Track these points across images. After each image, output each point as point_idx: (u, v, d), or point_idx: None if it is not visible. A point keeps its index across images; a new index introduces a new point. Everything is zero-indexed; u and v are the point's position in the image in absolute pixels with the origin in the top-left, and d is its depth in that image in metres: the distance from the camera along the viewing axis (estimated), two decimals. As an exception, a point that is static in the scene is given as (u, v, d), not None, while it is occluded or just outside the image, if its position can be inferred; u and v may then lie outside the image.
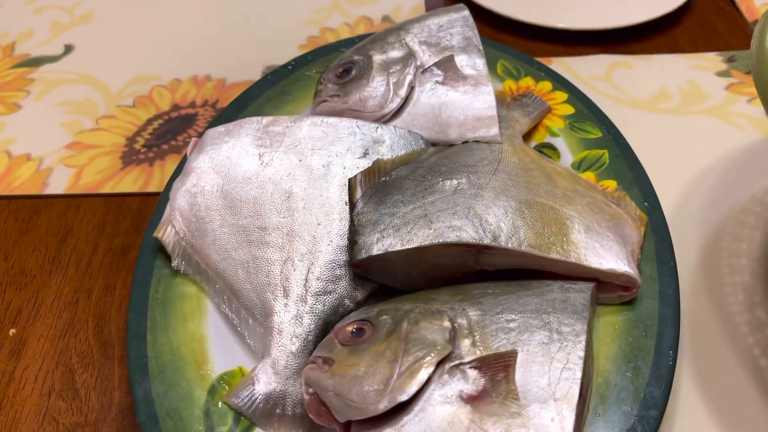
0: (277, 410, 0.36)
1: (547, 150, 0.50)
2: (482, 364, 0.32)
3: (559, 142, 0.50)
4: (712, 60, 0.61)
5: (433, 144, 0.48)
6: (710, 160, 0.52)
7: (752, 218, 0.47)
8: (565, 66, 0.61)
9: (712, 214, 0.48)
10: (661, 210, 0.44)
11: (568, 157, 0.49)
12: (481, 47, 0.51)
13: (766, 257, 0.45)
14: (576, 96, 0.53)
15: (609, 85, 0.59)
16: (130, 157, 0.53)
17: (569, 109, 0.52)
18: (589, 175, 0.47)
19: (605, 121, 0.50)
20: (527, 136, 0.51)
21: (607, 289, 0.39)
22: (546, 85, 0.54)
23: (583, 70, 0.60)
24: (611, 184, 0.46)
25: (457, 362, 0.32)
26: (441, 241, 0.38)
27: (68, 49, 0.64)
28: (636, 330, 0.38)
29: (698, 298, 0.43)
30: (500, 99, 0.52)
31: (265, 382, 0.36)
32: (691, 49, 0.63)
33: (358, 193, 0.42)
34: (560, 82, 0.54)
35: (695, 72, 0.59)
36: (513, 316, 0.34)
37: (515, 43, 0.65)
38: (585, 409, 0.35)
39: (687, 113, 0.56)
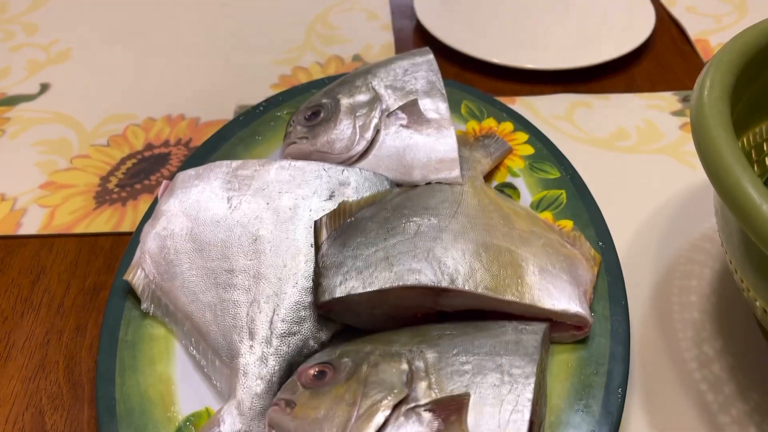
0: (242, 451, 0.37)
1: (508, 189, 0.52)
2: (436, 407, 0.33)
3: (519, 182, 0.52)
4: (668, 99, 0.63)
5: (398, 185, 0.49)
6: (664, 198, 0.54)
7: (702, 255, 0.49)
8: (528, 105, 0.63)
9: (665, 252, 0.50)
10: (615, 250, 0.46)
11: (527, 196, 0.51)
12: (443, 91, 0.53)
13: (715, 293, 0.47)
14: (536, 136, 0.55)
15: (569, 124, 0.61)
16: (103, 196, 0.54)
17: (529, 150, 0.54)
18: (547, 215, 0.49)
19: (563, 161, 0.53)
20: (489, 176, 0.53)
21: (560, 328, 0.41)
22: (508, 125, 0.56)
23: (545, 110, 0.62)
24: (568, 224, 0.48)
25: (413, 405, 0.34)
26: (401, 284, 0.39)
27: (44, 87, 0.65)
28: (588, 368, 0.40)
29: (650, 335, 0.45)
30: (463, 140, 0.54)
31: (230, 423, 0.38)
32: (648, 88, 0.66)
33: (324, 235, 0.43)
34: (521, 123, 0.56)
35: (651, 111, 0.62)
36: (468, 358, 0.36)
37: (480, 81, 0.67)
38: (537, 447, 0.36)
39: (643, 152, 0.58)
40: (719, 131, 0.35)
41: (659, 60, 0.69)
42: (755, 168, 0.48)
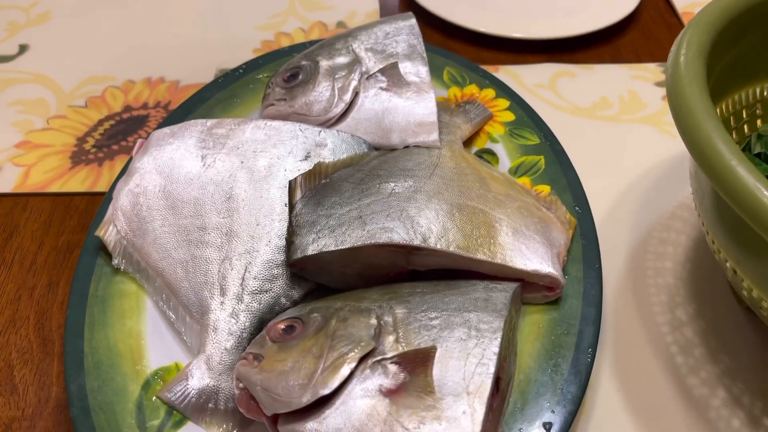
0: (210, 405, 0.37)
1: (487, 155, 0.51)
2: (402, 360, 0.33)
3: (499, 148, 0.51)
4: (652, 70, 0.63)
5: (376, 148, 0.49)
6: (644, 167, 0.54)
7: (679, 223, 0.49)
8: (512, 74, 0.62)
9: (643, 219, 0.50)
10: (591, 214, 0.46)
11: (506, 162, 0.50)
12: (425, 55, 0.52)
13: (690, 260, 0.47)
14: (517, 103, 0.54)
15: (552, 93, 0.61)
16: (79, 157, 0.54)
17: (510, 116, 0.54)
18: (525, 180, 0.49)
19: (543, 128, 0.52)
20: (469, 142, 0.53)
21: (533, 289, 0.41)
22: (489, 92, 0.55)
23: (529, 78, 0.62)
24: (545, 189, 0.48)
25: (379, 358, 0.34)
26: (373, 241, 0.39)
27: (23, 49, 0.64)
28: (559, 328, 0.40)
29: (623, 298, 0.45)
30: (444, 105, 0.54)
31: (198, 378, 0.37)
32: (633, 59, 0.65)
33: (298, 195, 0.43)
34: (503, 90, 0.56)
35: (635, 82, 0.62)
36: (436, 314, 0.36)
37: (465, 50, 0.66)
38: (505, 404, 0.36)
39: (625, 121, 0.58)
40: (693, 88, 0.35)
41: (645, 31, 0.69)
42: (734, 135, 0.48)
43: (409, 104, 0.50)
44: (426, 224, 0.40)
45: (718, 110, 0.46)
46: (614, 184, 0.53)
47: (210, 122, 0.47)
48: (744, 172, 0.30)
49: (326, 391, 0.32)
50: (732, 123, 0.47)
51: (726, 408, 0.39)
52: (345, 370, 0.33)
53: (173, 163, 0.45)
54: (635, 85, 0.61)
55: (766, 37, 0.45)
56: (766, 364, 0.41)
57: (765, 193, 0.29)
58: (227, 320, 0.39)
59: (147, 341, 0.39)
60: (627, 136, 0.57)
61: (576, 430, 0.39)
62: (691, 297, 0.45)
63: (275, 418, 0.34)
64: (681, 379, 0.40)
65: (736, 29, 0.41)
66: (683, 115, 0.34)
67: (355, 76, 0.51)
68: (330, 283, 0.42)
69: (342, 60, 0.52)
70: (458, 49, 0.67)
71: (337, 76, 0.51)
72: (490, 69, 0.63)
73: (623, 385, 0.40)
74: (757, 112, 0.48)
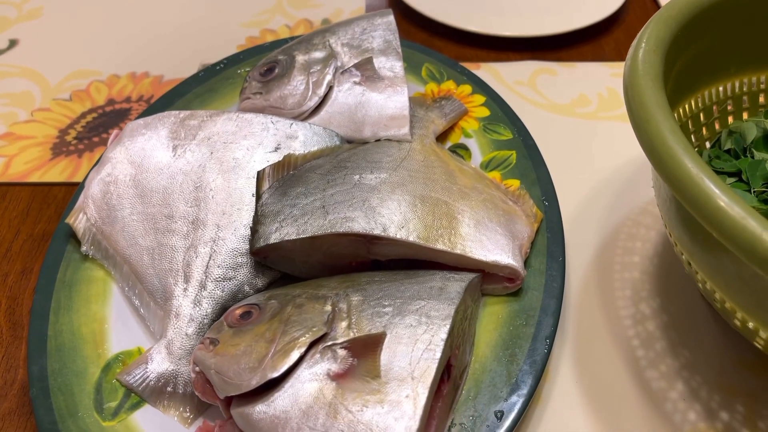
0: (168, 388, 0.38)
1: (461, 150, 0.52)
2: (351, 345, 0.34)
3: (472, 143, 0.52)
4: (633, 69, 0.63)
5: (349, 141, 0.50)
6: (618, 164, 0.54)
7: (649, 219, 0.49)
8: (492, 71, 0.63)
9: (613, 214, 0.50)
10: (558, 208, 0.46)
11: (478, 157, 0.51)
12: (399, 50, 0.53)
13: (658, 255, 0.47)
14: (493, 99, 0.55)
15: (531, 90, 0.61)
16: (60, 148, 0.55)
17: (485, 112, 0.54)
18: (495, 175, 0.49)
19: (517, 123, 0.53)
20: (444, 137, 0.53)
21: (493, 280, 0.41)
22: (466, 88, 0.56)
23: (509, 75, 0.62)
24: (514, 183, 0.48)
25: (330, 343, 0.34)
26: (333, 231, 0.39)
27: (12, 43, 0.65)
28: (518, 319, 0.40)
29: (588, 292, 0.45)
30: (420, 100, 0.54)
31: (158, 362, 0.38)
32: (615, 57, 0.65)
33: (265, 185, 0.43)
34: (480, 86, 0.56)
35: (615, 80, 0.62)
36: (390, 302, 0.36)
37: (448, 48, 0.67)
38: (458, 391, 0.37)
39: (602, 118, 0.58)
40: (646, 81, 0.35)
41: (629, 30, 0.69)
42: (704, 131, 0.48)
43: (382, 98, 0.50)
44: (387, 214, 0.40)
45: (687, 105, 0.46)
46: (587, 179, 0.53)
47: (183, 114, 0.48)
48: (689, 162, 0.31)
49: (275, 375, 0.33)
50: (702, 119, 0.47)
51: (683, 401, 0.39)
52: (294, 355, 0.33)
53: (144, 153, 0.45)
54: (615, 83, 0.61)
55: (734, 32, 0.45)
56: (725, 358, 0.41)
57: (707, 183, 0.30)
58: (189, 306, 0.40)
59: (110, 326, 0.40)
60: (603, 133, 0.57)
61: (530, 420, 0.39)
62: (655, 291, 0.45)
63: (228, 402, 0.34)
64: (640, 372, 0.41)
65: (701, 24, 0.41)
66: (635, 106, 0.34)
67: (330, 71, 0.51)
68: (293, 272, 0.43)
69: (318, 55, 0.53)
70: (442, 46, 0.67)
71: (312, 71, 0.51)
72: (471, 66, 0.63)
73: (582, 377, 0.41)
74: (728, 108, 0.48)
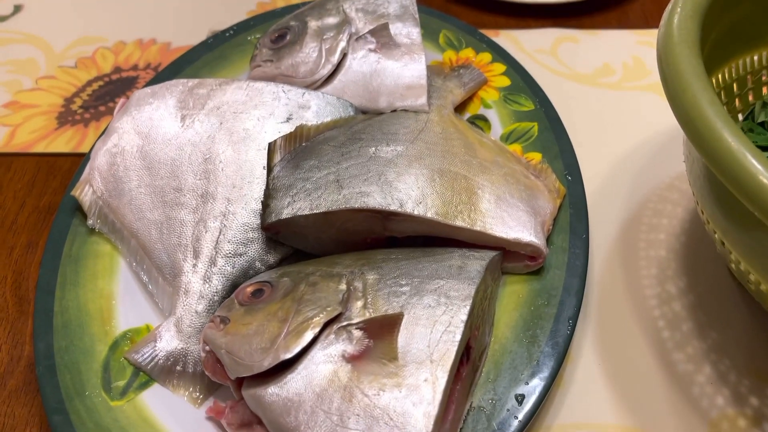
0: (178, 367, 0.36)
1: (480, 121, 0.50)
2: (368, 326, 0.32)
3: (492, 114, 0.50)
4: (660, 36, 0.60)
5: (364, 112, 0.48)
6: (644, 136, 0.52)
7: (676, 194, 0.47)
8: (512, 39, 0.60)
9: (638, 189, 0.48)
10: (582, 183, 0.44)
11: (498, 128, 0.49)
12: (417, 16, 0.50)
13: (685, 233, 0.45)
14: (513, 68, 0.52)
15: (553, 58, 0.58)
16: (65, 117, 0.53)
17: (506, 81, 0.52)
18: (516, 147, 0.47)
19: (539, 94, 0.50)
20: (462, 107, 0.51)
21: (514, 258, 0.40)
22: (486, 56, 0.54)
23: (529, 44, 0.60)
24: (536, 157, 0.46)
25: (345, 323, 0.33)
26: (348, 206, 0.38)
27: (17, 9, 0.63)
28: (539, 299, 0.39)
29: (612, 270, 0.43)
30: (438, 69, 0.52)
31: (167, 340, 0.37)
32: (641, 24, 0.63)
33: (277, 158, 0.42)
34: (500, 54, 0.54)
35: (641, 48, 0.59)
36: (407, 281, 0.35)
37: (466, 14, 0.64)
38: (477, 374, 0.35)
39: (627, 89, 0.56)
40: (682, 48, 0.33)
41: (655, -4, 0.66)
42: (737, 103, 0.45)
43: (398, 66, 0.48)
44: (404, 189, 0.39)
45: (720, 75, 0.44)
46: (611, 153, 0.51)
47: (192, 82, 0.46)
48: (729, 136, 0.29)
49: (288, 356, 0.32)
50: (735, 90, 0.45)
51: (711, 385, 0.38)
52: (308, 335, 0.32)
53: (152, 124, 0.44)
54: (640, 51, 0.59)
55: (772, -2, 0.42)
56: (755, 341, 0.39)
57: (749, 159, 0.28)
58: (199, 283, 0.39)
59: (118, 302, 0.39)
60: (628, 104, 0.54)
61: (552, 403, 0.38)
62: (682, 270, 0.43)
63: (239, 382, 0.33)
64: (666, 354, 0.39)
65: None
66: (671, 75, 0.32)
67: (344, 37, 0.49)
68: (306, 248, 0.41)
69: (331, 20, 0.51)
70: (459, 12, 0.64)
71: (325, 37, 0.49)
72: (489, 33, 0.61)
73: (605, 359, 0.39)
74: (763, 78, 0.46)
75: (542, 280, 0.40)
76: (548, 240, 0.41)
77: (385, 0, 0.52)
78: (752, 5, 0.41)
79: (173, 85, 0.46)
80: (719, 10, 0.38)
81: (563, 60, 0.58)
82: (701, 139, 0.29)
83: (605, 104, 0.55)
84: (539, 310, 0.38)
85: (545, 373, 0.35)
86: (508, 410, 0.34)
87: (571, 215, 0.42)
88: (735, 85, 0.45)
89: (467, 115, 0.51)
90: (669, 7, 0.36)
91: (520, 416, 0.34)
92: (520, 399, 0.35)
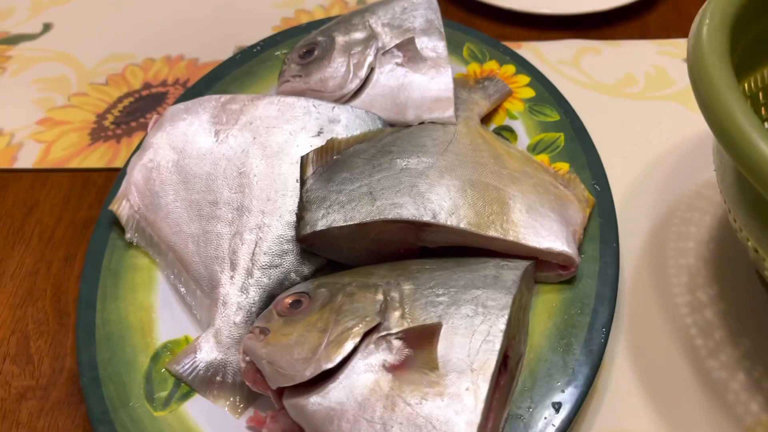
0: (218, 378, 0.37)
1: (506, 132, 0.50)
2: (407, 335, 0.33)
3: (518, 125, 0.50)
4: (681, 46, 0.61)
5: (391, 125, 0.48)
6: (669, 145, 0.52)
7: (704, 202, 0.48)
8: (534, 50, 0.61)
9: (666, 198, 0.48)
10: (610, 192, 0.44)
11: (524, 139, 0.49)
12: (442, 30, 0.51)
13: (714, 240, 0.45)
14: (538, 79, 0.53)
15: (576, 69, 0.59)
16: (98, 133, 0.54)
17: (530, 93, 0.52)
18: (543, 158, 0.47)
19: (564, 104, 0.51)
20: (487, 119, 0.52)
21: (547, 267, 0.40)
22: (510, 68, 0.54)
23: (552, 55, 0.60)
24: (564, 167, 0.47)
25: (384, 333, 0.33)
26: (382, 217, 0.39)
27: (47, 27, 0.65)
28: (572, 308, 0.39)
29: (642, 279, 0.44)
30: (462, 82, 0.53)
31: (207, 351, 0.38)
32: (662, 34, 0.63)
33: (309, 171, 0.42)
34: (524, 66, 0.54)
35: (662, 57, 0.60)
36: (444, 290, 0.35)
37: (487, 27, 0.65)
38: (514, 382, 0.36)
39: (650, 98, 0.56)
40: (714, 59, 0.33)
41: (675, 6, 0.67)
42: (763, 111, 0.46)
43: (425, 80, 0.49)
44: (437, 200, 0.39)
45: (747, 84, 0.44)
46: (637, 162, 0.51)
47: (224, 98, 0.47)
48: (764, 145, 0.29)
49: (329, 366, 0.32)
50: (761, 99, 0.45)
51: (745, 392, 0.38)
52: (349, 345, 0.33)
53: (186, 139, 0.45)
54: (663, 61, 0.59)
55: (798, 7, 0.42)
56: (789, 348, 0.39)
57: (786, 166, 0.28)
58: (237, 294, 0.39)
59: (157, 314, 0.40)
60: (652, 113, 0.55)
61: (587, 411, 0.38)
62: (713, 278, 0.43)
63: (280, 392, 0.34)
64: (699, 362, 0.39)
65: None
66: (703, 86, 0.33)
67: (371, 52, 0.50)
68: (340, 259, 0.42)
69: (358, 35, 0.51)
70: (480, 25, 0.65)
71: (352, 52, 0.50)
72: (511, 45, 0.61)
73: (638, 368, 0.39)
74: (789, 87, 0.46)
75: (575, 289, 0.40)
76: (579, 249, 0.41)
77: (411, 14, 0.52)
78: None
79: (206, 101, 0.47)
80: (747, 20, 0.38)
81: (586, 71, 0.59)
82: (737, 148, 0.30)
83: (629, 114, 0.55)
84: (573, 318, 0.38)
85: (580, 381, 0.36)
86: (545, 418, 0.34)
87: (601, 224, 0.43)
88: (761, 94, 0.45)
89: (493, 126, 0.51)
90: (698, 18, 0.37)
91: (557, 423, 0.34)
92: (557, 407, 0.35)
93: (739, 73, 0.43)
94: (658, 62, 0.59)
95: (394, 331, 0.33)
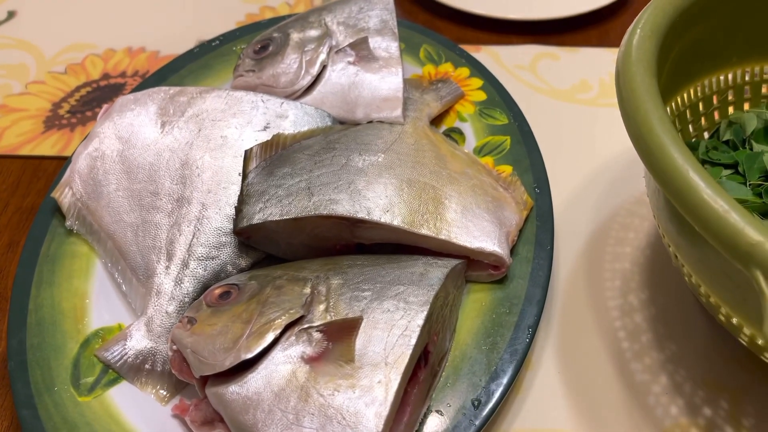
0: (146, 366, 0.37)
1: (454, 134, 0.51)
2: (328, 328, 0.33)
3: (466, 127, 0.51)
4: (637, 55, 0.62)
5: (341, 122, 0.49)
6: (615, 152, 0.53)
7: (644, 209, 0.48)
8: (493, 54, 0.62)
9: (608, 203, 0.49)
10: (550, 196, 0.45)
11: (472, 141, 0.50)
12: (396, 30, 0.52)
13: (650, 247, 0.46)
14: (490, 83, 0.54)
15: (532, 74, 0.60)
16: (52, 121, 0.54)
17: (482, 96, 0.53)
18: (488, 160, 0.48)
19: (514, 108, 0.52)
20: (438, 120, 0.52)
21: (478, 267, 0.41)
22: (464, 71, 0.55)
23: (509, 59, 0.61)
24: (507, 169, 0.47)
25: (306, 326, 0.34)
26: (317, 213, 0.39)
27: (11, 15, 0.65)
28: (501, 307, 0.40)
29: (577, 281, 0.44)
30: (416, 83, 0.53)
31: (137, 339, 0.38)
32: (620, 43, 0.64)
33: (252, 164, 0.43)
34: (478, 69, 0.55)
35: (618, 66, 0.60)
36: (370, 286, 0.36)
37: (449, 29, 0.66)
38: (436, 378, 0.36)
39: (603, 105, 0.57)
40: (638, 67, 0.34)
41: (636, 14, 0.67)
42: (703, 121, 0.46)
43: (376, 79, 0.50)
44: (373, 197, 0.40)
45: (685, 94, 0.45)
46: (583, 167, 0.52)
47: (173, 90, 0.47)
48: (674, 151, 0.30)
49: (248, 356, 0.33)
50: (701, 108, 0.46)
51: (666, 395, 0.39)
52: (269, 336, 0.33)
53: (132, 129, 0.45)
54: (618, 70, 0.60)
55: (736, 19, 0.43)
56: (712, 352, 0.40)
57: (691, 173, 0.29)
58: (171, 284, 0.40)
59: (92, 301, 0.40)
60: (602, 120, 0.56)
61: (510, 410, 0.38)
62: (645, 283, 0.44)
63: (204, 381, 0.34)
64: (624, 365, 0.40)
65: (701, 10, 0.40)
66: (626, 93, 0.34)
67: (324, 50, 0.51)
68: (277, 253, 0.42)
69: (313, 33, 0.52)
70: (443, 27, 0.66)
71: (306, 49, 0.51)
72: (471, 49, 0.62)
73: (565, 368, 0.40)
74: (729, 98, 0.47)
75: (505, 289, 0.41)
76: (513, 250, 0.42)
77: (366, 14, 0.53)
78: (714, 26, 0.43)
79: (155, 92, 0.47)
80: (679, 30, 0.39)
81: (542, 76, 0.60)
82: (649, 154, 0.31)
83: (580, 120, 0.56)
84: (500, 318, 0.39)
85: (503, 380, 0.36)
86: (464, 414, 0.35)
87: (538, 227, 0.44)
88: (701, 104, 0.46)
89: (443, 127, 0.52)
90: (631, 27, 0.38)
91: (477, 421, 0.35)
92: (477, 404, 0.36)
93: (678, 82, 0.44)
94: (614, 70, 0.60)
95: (316, 324, 0.34)
